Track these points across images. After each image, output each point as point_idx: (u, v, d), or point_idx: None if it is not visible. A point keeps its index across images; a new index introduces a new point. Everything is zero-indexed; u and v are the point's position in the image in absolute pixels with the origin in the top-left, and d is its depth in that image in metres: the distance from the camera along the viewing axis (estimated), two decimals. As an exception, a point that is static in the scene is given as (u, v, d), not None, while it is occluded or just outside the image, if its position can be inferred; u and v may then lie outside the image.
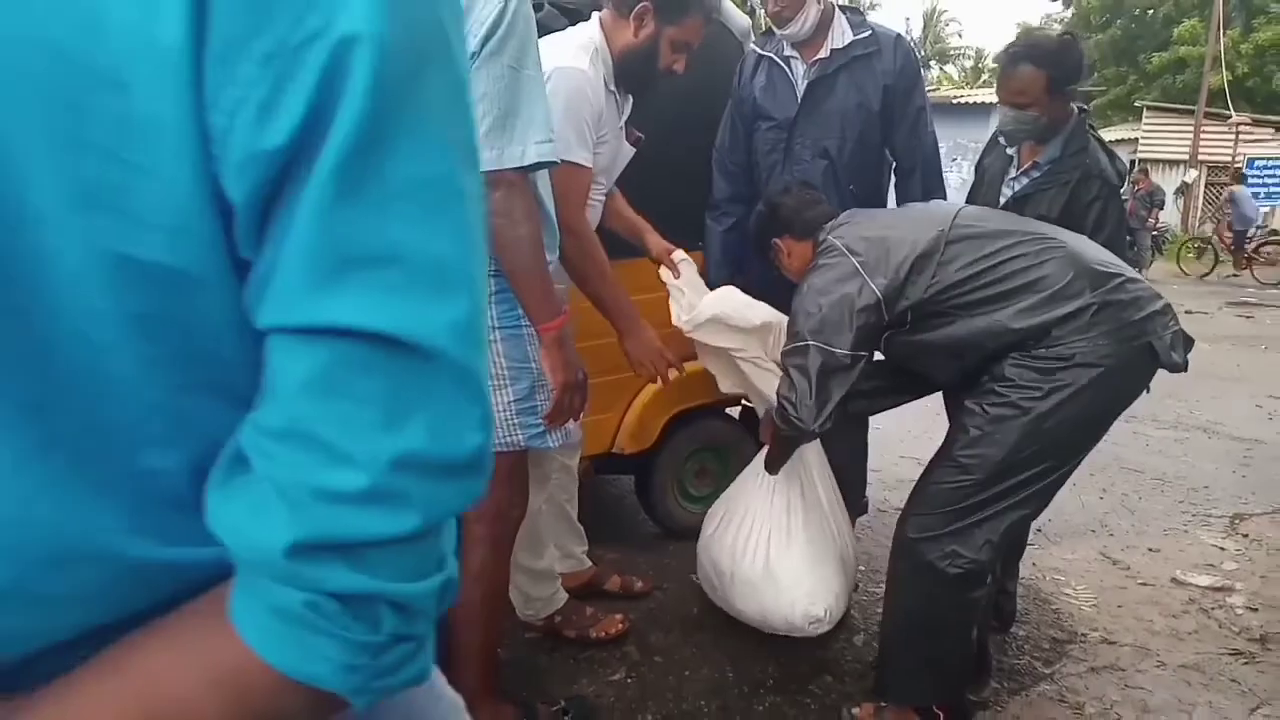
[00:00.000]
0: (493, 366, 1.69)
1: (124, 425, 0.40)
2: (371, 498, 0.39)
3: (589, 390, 1.81)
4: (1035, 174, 2.30)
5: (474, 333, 0.42)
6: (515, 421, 1.71)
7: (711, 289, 2.49)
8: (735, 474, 3.06)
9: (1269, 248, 14.12)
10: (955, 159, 17.49)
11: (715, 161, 2.78)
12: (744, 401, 3.06)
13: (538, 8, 2.35)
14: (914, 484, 2.07)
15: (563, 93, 1.85)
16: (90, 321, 0.38)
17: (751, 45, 2.79)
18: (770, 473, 2.34)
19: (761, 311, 2.38)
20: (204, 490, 0.42)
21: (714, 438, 3.06)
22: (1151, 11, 24.44)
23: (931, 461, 2.05)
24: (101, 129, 0.35)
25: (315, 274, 0.38)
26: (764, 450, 2.38)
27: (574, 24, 2.13)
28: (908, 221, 2.10)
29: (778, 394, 2.02)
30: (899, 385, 2.30)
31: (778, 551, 2.31)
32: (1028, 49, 2.27)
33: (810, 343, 1.94)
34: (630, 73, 2.02)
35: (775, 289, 2.39)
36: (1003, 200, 2.37)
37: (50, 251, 0.36)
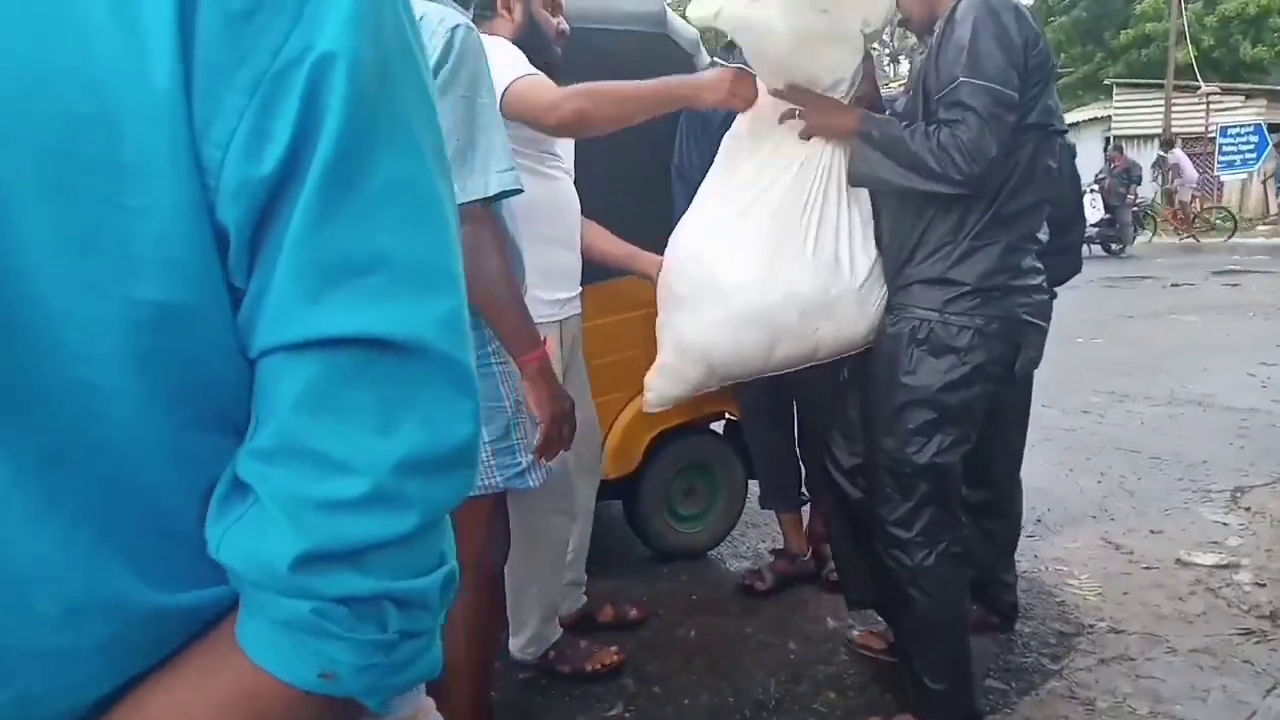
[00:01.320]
0: None
1: (130, 469, 0.41)
2: (372, 502, 0.40)
3: (575, 420, 1.76)
4: None
5: (460, 327, 0.43)
6: (492, 463, 1.67)
7: None
8: (724, 491, 3.04)
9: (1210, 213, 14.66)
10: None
11: (677, 176, 2.73)
12: (727, 415, 3.01)
13: None
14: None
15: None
16: (93, 366, 0.38)
17: (714, 58, 2.75)
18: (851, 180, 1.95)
19: None
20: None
21: (700, 455, 3.01)
22: (1114, -10, 24.59)
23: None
24: (95, 176, 0.36)
25: (304, 289, 0.39)
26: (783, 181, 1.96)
27: None
28: None
29: (939, 145, 1.76)
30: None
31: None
32: None
33: (985, 83, 1.73)
34: (529, 50, 2.01)
35: None
36: None
37: (48, 301, 0.36)
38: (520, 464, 1.68)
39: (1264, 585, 2.80)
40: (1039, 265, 2.01)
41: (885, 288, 2.01)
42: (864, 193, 2.02)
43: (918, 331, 1.90)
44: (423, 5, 1.54)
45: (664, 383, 2.08)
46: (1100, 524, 3.37)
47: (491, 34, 2.04)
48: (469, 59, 1.50)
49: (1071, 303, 8.47)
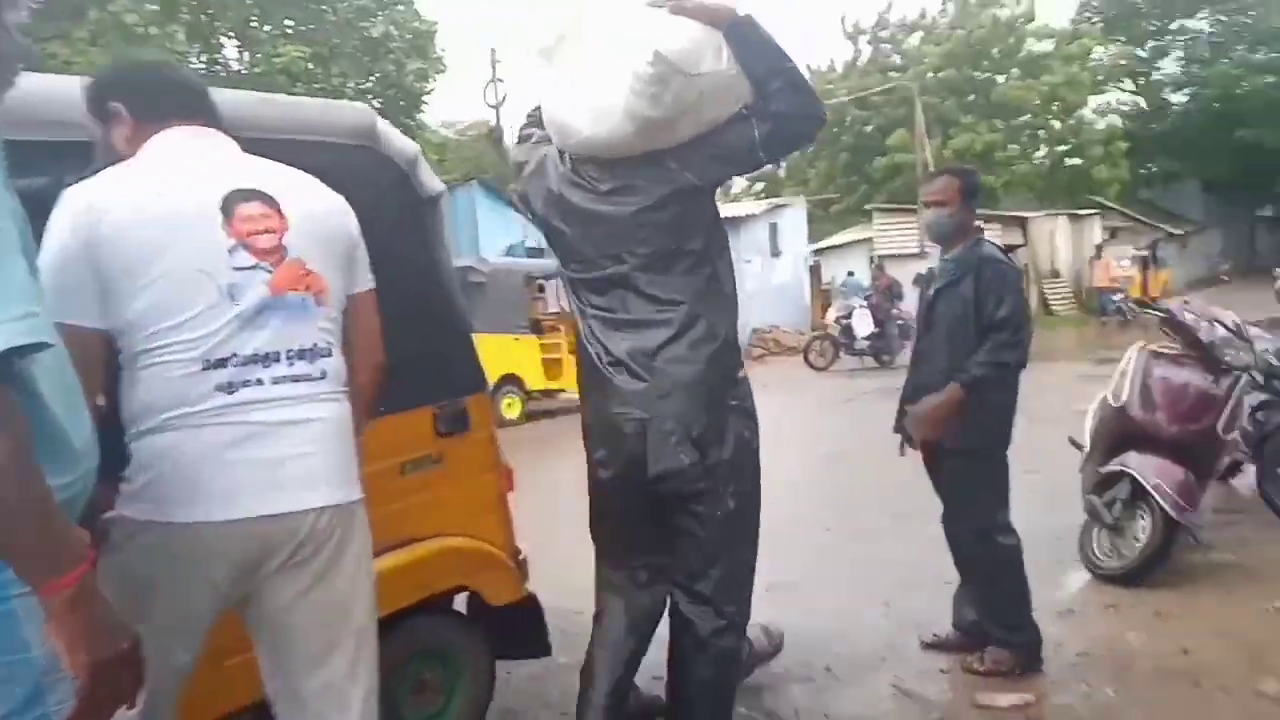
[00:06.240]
0: None
1: None
2: None
3: (143, 662, 1.23)
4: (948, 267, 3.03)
5: None
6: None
7: None
8: (466, 682, 2.52)
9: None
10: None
11: None
12: (471, 589, 2.52)
13: None
14: None
15: None
16: None
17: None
18: None
19: None
20: None
21: (433, 641, 2.48)
22: (869, 128, 27.28)
23: None
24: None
25: None
26: None
27: None
28: None
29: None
30: None
31: None
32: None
33: None
34: None
35: None
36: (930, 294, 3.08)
37: None
38: None
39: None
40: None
41: None
42: None
43: None
44: None
45: None
46: (890, 667, 3.11)
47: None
48: None
49: (850, 417, 8.69)
